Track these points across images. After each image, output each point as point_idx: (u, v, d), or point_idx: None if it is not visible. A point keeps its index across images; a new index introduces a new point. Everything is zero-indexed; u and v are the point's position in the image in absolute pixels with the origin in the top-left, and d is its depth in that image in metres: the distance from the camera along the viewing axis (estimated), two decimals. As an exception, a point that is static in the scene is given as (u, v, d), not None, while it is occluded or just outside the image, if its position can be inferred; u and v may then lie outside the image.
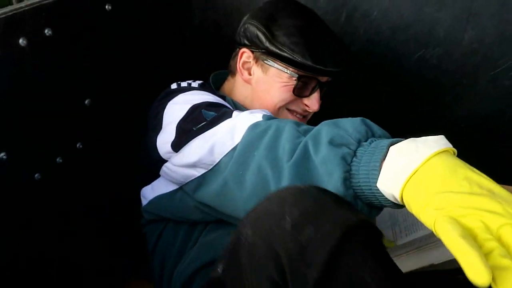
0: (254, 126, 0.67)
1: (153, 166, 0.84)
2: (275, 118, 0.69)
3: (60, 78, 0.86)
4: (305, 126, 0.65)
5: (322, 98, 0.95)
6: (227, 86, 1.00)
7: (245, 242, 0.48)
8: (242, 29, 0.93)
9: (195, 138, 0.73)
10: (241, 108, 0.93)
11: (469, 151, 1.06)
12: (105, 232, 1.06)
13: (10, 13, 0.75)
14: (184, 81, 0.95)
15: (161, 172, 0.83)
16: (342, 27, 1.08)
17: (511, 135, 1.04)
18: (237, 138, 0.68)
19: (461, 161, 0.48)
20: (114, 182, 1.04)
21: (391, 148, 0.52)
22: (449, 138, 1.00)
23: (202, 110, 0.76)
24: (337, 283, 0.43)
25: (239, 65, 0.94)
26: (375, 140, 0.56)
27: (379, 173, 0.51)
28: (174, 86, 0.93)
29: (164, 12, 1.15)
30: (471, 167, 0.47)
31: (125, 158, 1.01)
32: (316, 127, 0.62)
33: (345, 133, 0.57)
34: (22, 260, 0.86)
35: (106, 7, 0.94)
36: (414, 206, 0.46)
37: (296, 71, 0.89)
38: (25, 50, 0.78)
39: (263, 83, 0.92)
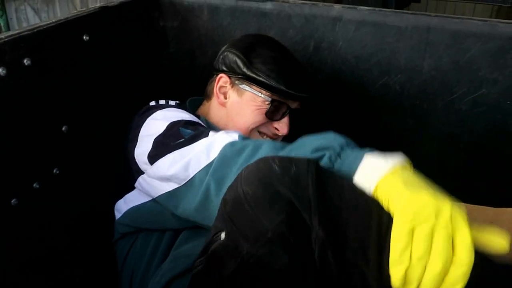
0: (232, 144, 0.73)
1: (130, 177, 0.87)
2: (251, 139, 0.75)
3: (38, 105, 0.89)
4: (281, 144, 0.71)
5: (290, 124, 1.00)
6: (202, 109, 1.06)
7: (246, 196, 0.57)
8: (221, 57, 1.00)
9: (171, 153, 0.77)
10: (214, 128, 0.98)
11: (429, 172, 1.13)
12: (82, 256, 1.07)
13: (-9, 44, 0.78)
14: (162, 99, 1.01)
15: (136, 184, 0.87)
16: (310, 56, 1.14)
17: (469, 157, 1.10)
18: (212, 155, 0.73)
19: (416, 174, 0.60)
20: (92, 207, 1.05)
21: (366, 155, 0.62)
22: (412, 158, 1.05)
23: (180, 128, 0.81)
24: (328, 190, 0.58)
25: (216, 89, 1.01)
26: (354, 148, 0.66)
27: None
28: (153, 103, 1.00)
29: (140, 41, 1.20)
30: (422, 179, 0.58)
31: (103, 182, 1.03)
32: (296, 141, 0.69)
33: (328, 141, 0.66)
34: (-3, 285, 0.86)
35: (84, 37, 0.98)
36: (385, 200, 0.57)
37: (269, 95, 0.96)
38: (4, 79, 0.81)
39: (237, 106, 0.99)
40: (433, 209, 0.52)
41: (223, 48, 1.02)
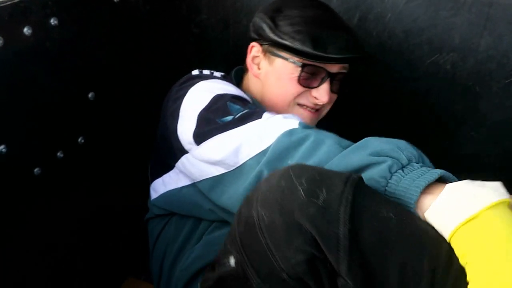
0: (290, 132, 0.64)
1: (171, 155, 0.81)
2: (313, 128, 0.66)
3: (64, 70, 0.83)
4: (348, 142, 0.62)
5: (336, 92, 0.92)
6: (245, 82, 0.97)
7: (261, 223, 0.48)
8: (252, 24, 0.92)
9: (220, 134, 0.70)
10: (257, 104, 0.90)
11: (475, 160, 1.05)
12: (106, 229, 1.04)
13: (16, 1, 0.72)
14: (206, 69, 0.93)
15: (178, 163, 0.80)
16: (354, 28, 1.05)
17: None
18: (267, 142, 0.65)
19: None
20: (117, 178, 1.01)
21: (448, 184, 0.51)
22: (457, 146, 0.96)
23: (228, 102, 0.73)
24: (367, 226, 0.47)
25: (249, 59, 0.93)
26: (426, 166, 0.55)
27: (417, 198, 0.51)
28: (196, 72, 0.91)
29: (170, 7, 1.13)
30: None
31: (129, 154, 0.98)
32: (362, 140, 0.60)
33: (396, 148, 0.56)
34: (20, 255, 0.83)
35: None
36: (464, 255, 0.45)
37: (299, 59, 0.85)
38: (29, 39, 0.75)
39: (270, 76, 0.90)
40: None
41: (256, 13, 0.93)
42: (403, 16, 1.00)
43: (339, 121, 1.16)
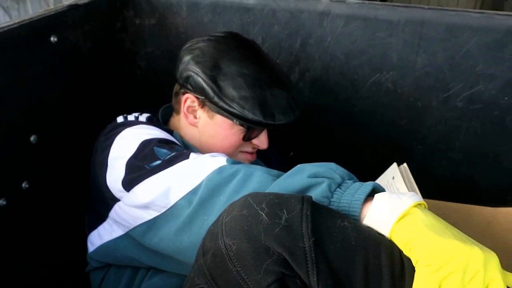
0: (220, 170, 0.65)
1: (104, 205, 0.79)
2: (241, 163, 0.68)
3: (3, 114, 0.81)
4: (276, 172, 0.64)
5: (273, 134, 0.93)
6: (173, 122, 0.96)
7: (229, 253, 0.50)
8: (184, 74, 0.87)
9: (148, 178, 0.70)
10: (188, 145, 0.90)
11: (425, 172, 1.08)
12: (49, 283, 0.99)
13: None
14: (131, 113, 0.91)
15: (111, 212, 0.78)
16: (297, 53, 1.08)
17: (466, 156, 1.05)
18: (196, 181, 0.65)
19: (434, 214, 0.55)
20: (63, 224, 0.97)
21: (377, 195, 0.56)
22: (406, 160, 1.01)
23: (155, 147, 0.72)
24: (328, 237, 0.51)
25: (183, 109, 0.89)
26: (357, 182, 0.60)
27: (360, 209, 0.56)
28: (120, 119, 0.89)
29: (114, 42, 1.12)
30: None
31: (75, 199, 0.95)
32: (293, 168, 0.62)
33: (329, 169, 0.60)
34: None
35: (52, 39, 0.90)
36: (407, 243, 0.52)
37: (244, 123, 0.86)
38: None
39: (210, 128, 0.88)
40: (465, 258, 0.48)
41: (186, 59, 0.87)
42: (342, 39, 1.03)
43: (292, 145, 1.18)
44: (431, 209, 0.96)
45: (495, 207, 1.08)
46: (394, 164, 0.84)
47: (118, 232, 0.79)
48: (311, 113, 1.12)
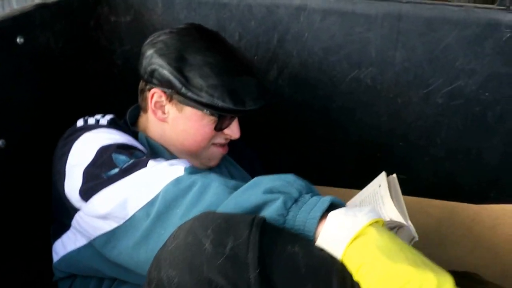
0: (177, 181, 0.64)
1: (66, 214, 0.77)
2: (199, 173, 0.66)
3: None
4: (234, 182, 0.62)
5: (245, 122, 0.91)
6: (141, 121, 0.93)
7: (170, 285, 0.48)
8: (149, 69, 0.85)
9: (105, 188, 0.68)
10: (155, 146, 0.88)
11: (407, 169, 1.06)
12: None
13: None
14: (93, 116, 0.87)
15: (73, 221, 0.77)
16: (274, 49, 1.05)
17: (448, 153, 1.03)
18: (153, 192, 0.64)
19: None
20: (33, 232, 0.95)
21: (330, 213, 0.54)
22: (387, 157, 0.99)
23: (113, 154, 0.71)
24: (276, 266, 0.49)
25: (151, 105, 0.87)
26: (315, 195, 0.57)
27: (315, 229, 0.53)
28: (80, 123, 0.86)
29: (90, 40, 1.10)
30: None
31: (47, 206, 0.93)
32: (251, 180, 0.60)
33: (286, 183, 0.58)
34: None
35: (18, 40, 0.87)
36: (358, 268, 0.50)
37: (215, 112, 0.84)
38: None
39: (180, 122, 0.86)
40: (417, 285, 0.46)
41: (149, 53, 0.85)
42: (319, 34, 1.01)
43: (268, 144, 1.16)
44: (414, 207, 0.95)
45: (479, 204, 1.07)
46: (383, 173, 0.83)
47: (82, 241, 0.77)
48: (290, 110, 1.10)
